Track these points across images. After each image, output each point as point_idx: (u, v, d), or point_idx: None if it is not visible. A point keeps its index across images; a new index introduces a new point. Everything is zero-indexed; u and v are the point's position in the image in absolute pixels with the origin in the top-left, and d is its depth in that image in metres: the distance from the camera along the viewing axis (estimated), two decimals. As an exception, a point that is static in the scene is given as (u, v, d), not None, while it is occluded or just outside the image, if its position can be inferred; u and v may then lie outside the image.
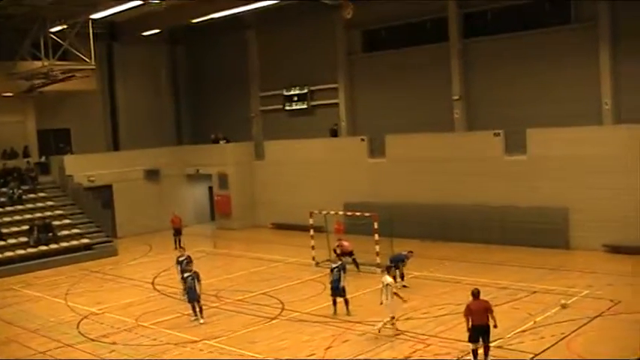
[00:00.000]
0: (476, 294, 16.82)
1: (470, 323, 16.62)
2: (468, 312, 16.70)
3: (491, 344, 16.82)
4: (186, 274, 22.74)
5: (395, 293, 19.61)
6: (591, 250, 28.47)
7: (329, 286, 22.47)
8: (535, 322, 19.75)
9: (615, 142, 28.72)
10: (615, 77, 30.26)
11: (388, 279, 19.88)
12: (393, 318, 19.69)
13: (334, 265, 22.37)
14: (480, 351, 16.69)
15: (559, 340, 18.28)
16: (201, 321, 22.17)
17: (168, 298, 25.87)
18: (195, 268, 23.52)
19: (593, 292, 22.57)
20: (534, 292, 23.07)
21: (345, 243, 27.58)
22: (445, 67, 35.32)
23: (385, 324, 19.69)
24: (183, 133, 49.44)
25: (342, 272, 22.04)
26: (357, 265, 27.50)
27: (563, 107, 31.37)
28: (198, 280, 22.45)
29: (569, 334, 18.69)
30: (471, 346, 16.66)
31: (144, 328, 22.07)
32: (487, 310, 16.52)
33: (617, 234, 28.11)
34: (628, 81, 30.00)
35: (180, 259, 25.49)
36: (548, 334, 18.62)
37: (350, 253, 27.30)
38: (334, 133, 39.27)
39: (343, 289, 22.02)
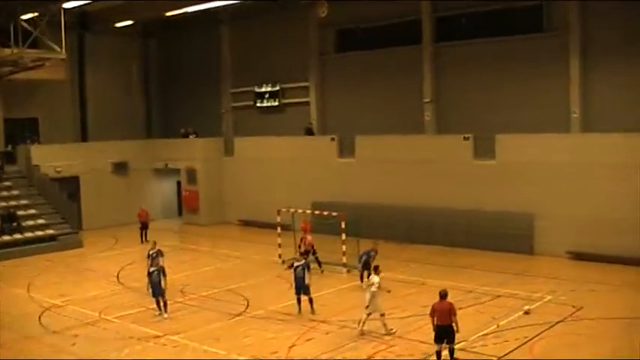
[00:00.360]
0: (442, 295, 17.00)
1: (434, 323, 16.85)
2: (433, 312, 16.96)
3: (455, 346, 16.91)
4: (151, 269, 22.60)
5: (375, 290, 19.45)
6: (555, 256, 28.77)
7: (293, 284, 22.43)
8: (498, 326, 19.94)
9: (582, 150, 29.04)
10: (584, 86, 30.61)
11: (376, 279, 19.76)
12: (382, 315, 19.65)
13: (297, 264, 22.27)
14: (445, 352, 16.79)
15: (522, 344, 18.46)
16: (165, 316, 22.07)
17: (133, 292, 25.70)
18: (163, 262, 23.49)
19: (556, 297, 22.82)
20: (498, 296, 23.27)
21: (309, 237, 27.65)
22: (417, 70, 35.47)
23: (364, 321, 19.65)
24: (153, 126, 49.12)
25: (305, 270, 22.00)
26: (319, 263, 27.54)
27: (532, 114, 31.65)
28: (164, 275, 22.35)
29: (532, 338, 18.89)
30: (435, 347, 16.83)
31: (107, 321, 21.92)
32: (450, 311, 16.67)
33: (580, 241, 28.42)
34: (596, 91, 30.38)
35: (151, 252, 25.36)
36: (511, 338, 18.79)
37: (313, 252, 27.43)
38: (309, 132, 39.14)
39: (307, 288, 22.01)
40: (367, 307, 19.62)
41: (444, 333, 16.66)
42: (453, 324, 16.67)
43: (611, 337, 19.11)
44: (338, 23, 38.74)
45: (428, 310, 21.61)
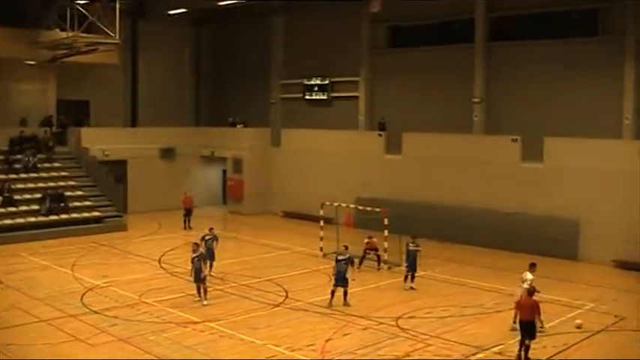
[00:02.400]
0: (530, 292, 17.59)
1: (517, 317, 17.61)
2: (517, 305, 17.74)
3: (495, 349, 16.84)
4: (193, 255, 22.80)
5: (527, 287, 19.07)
6: (600, 263, 28.31)
7: (333, 276, 22.49)
8: (542, 325, 19.59)
9: (633, 157, 28.50)
10: (638, 92, 30.02)
11: (529, 276, 20.01)
12: None
13: (342, 257, 22.38)
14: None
15: (560, 351, 18.20)
16: (205, 302, 22.24)
17: (173, 277, 25.95)
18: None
19: (598, 306, 22.46)
20: (540, 301, 22.85)
21: (375, 240, 27.65)
22: (468, 69, 35.16)
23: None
24: (201, 114, 49.52)
25: (349, 265, 22.21)
26: (379, 261, 27.52)
27: (583, 118, 31.17)
28: (205, 263, 22.50)
29: (571, 346, 18.62)
30: (519, 340, 17.29)
31: (147, 304, 22.15)
32: (533, 308, 17.13)
33: (626, 249, 27.89)
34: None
35: (207, 237, 25.71)
36: (550, 344, 18.54)
37: (376, 249, 27.50)
38: (382, 127, 38.14)
39: (347, 281, 22.15)
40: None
41: (527, 328, 17.12)
42: (536, 321, 17.21)
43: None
44: (391, 19, 38.56)
45: (468, 311, 21.75)
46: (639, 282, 25.84)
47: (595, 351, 18.50)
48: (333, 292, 22.16)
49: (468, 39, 35.29)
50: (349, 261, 22.35)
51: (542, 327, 17.44)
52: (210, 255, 25.20)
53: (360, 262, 27.38)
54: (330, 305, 21.93)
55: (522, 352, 17.07)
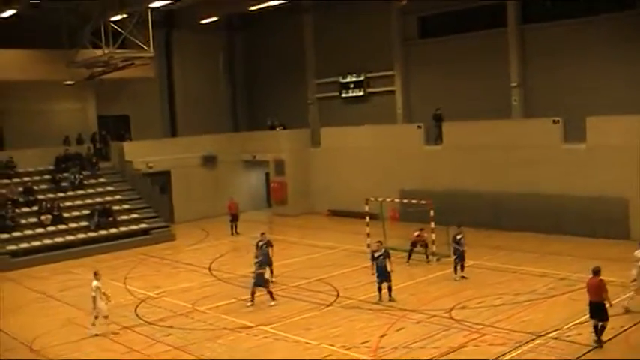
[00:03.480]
0: (595, 271, 17.27)
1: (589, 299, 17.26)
2: (587, 287, 17.50)
3: (551, 334, 16.69)
4: (255, 260, 23.23)
5: None
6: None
7: (373, 274, 22.55)
8: (610, 303, 19.28)
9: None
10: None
11: None
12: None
13: (378, 253, 22.41)
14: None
15: (618, 334, 17.95)
16: (272, 303, 22.54)
17: (224, 284, 26.18)
18: (251, 254, 24.73)
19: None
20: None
21: (426, 235, 27.56)
22: (503, 54, 34.92)
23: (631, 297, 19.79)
24: (239, 119, 49.84)
25: (387, 259, 22.22)
26: (427, 255, 27.47)
27: (624, 95, 30.76)
28: (268, 265, 23.03)
29: (629, 328, 18.38)
30: (591, 322, 17.12)
31: (200, 312, 22.38)
32: (599, 287, 16.95)
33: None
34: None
35: (260, 242, 25.89)
36: (608, 327, 18.30)
37: (425, 245, 27.44)
38: (439, 118, 37.35)
39: (389, 275, 22.20)
40: (633, 281, 19.81)
41: (595, 309, 16.96)
42: (605, 301, 16.89)
43: None
44: (420, 9, 38.43)
45: (520, 298, 21.59)
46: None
47: (653, 331, 18.27)
48: (380, 288, 22.27)
49: (500, 23, 35.04)
50: (386, 255, 22.34)
51: (610, 305, 17.07)
52: (266, 260, 25.31)
53: (409, 257, 27.37)
54: (379, 301, 22.01)
55: (597, 335, 16.90)
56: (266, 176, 45.37)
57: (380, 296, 22.19)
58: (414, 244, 27.41)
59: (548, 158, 31.67)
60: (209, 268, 29.00)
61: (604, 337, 17.01)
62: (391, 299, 22.09)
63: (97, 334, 20.44)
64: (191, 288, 25.71)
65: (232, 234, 36.54)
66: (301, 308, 22.19)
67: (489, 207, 33.00)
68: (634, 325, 18.62)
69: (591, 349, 16.82)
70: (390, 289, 22.21)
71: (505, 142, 33.24)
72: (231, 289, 25.09)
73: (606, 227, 29.38)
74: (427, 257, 27.36)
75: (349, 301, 22.57)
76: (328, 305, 22.39)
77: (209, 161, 43.41)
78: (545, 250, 28.23)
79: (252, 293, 22.81)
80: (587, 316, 17.37)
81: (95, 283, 20.71)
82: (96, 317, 20.68)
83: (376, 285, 22.30)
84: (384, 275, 22.15)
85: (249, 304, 22.73)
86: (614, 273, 23.61)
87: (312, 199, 42.83)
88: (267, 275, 23.07)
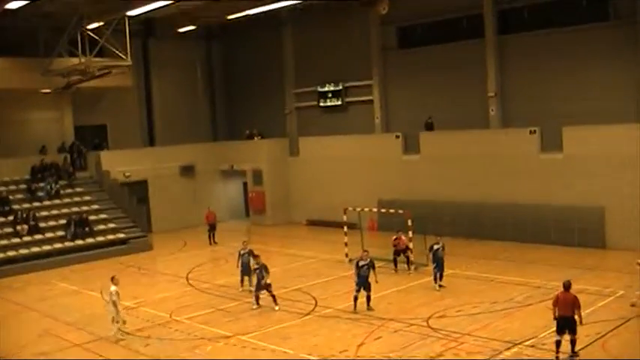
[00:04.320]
0: (567, 286, 16.93)
1: (556, 314, 16.78)
2: (556, 302, 16.91)
3: (528, 342, 16.74)
4: (255, 267, 23.42)
5: None
6: (629, 250, 28.02)
7: (355, 282, 22.41)
8: (581, 320, 19.45)
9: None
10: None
11: None
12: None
13: (363, 262, 22.25)
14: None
15: (594, 341, 18.10)
16: (276, 308, 22.76)
17: (203, 294, 26.06)
18: (230, 262, 24.09)
19: (631, 292, 22.24)
20: (570, 291, 22.83)
21: (404, 238, 27.58)
22: (481, 64, 35.10)
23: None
24: (218, 128, 49.68)
25: (371, 269, 22.19)
26: (408, 263, 27.47)
27: (599, 105, 30.98)
28: (267, 272, 23.11)
29: (605, 335, 18.52)
30: (555, 336, 16.76)
31: (178, 322, 22.27)
32: (574, 304, 16.61)
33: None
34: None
35: (242, 251, 25.98)
36: (582, 334, 18.34)
37: (404, 250, 27.43)
38: (430, 127, 37.25)
39: (369, 285, 22.13)
40: None
41: (566, 324, 16.60)
42: (576, 316, 16.59)
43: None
44: (399, 20, 38.54)
45: (497, 307, 21.68)
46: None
47: (628, 339, 18.42)
48: (356, 298, 22.14)
49: (478, 34, 35.22)
50: (371, 265, 22.30)
51: (581, 323, 16.78)
52: (246, 270, 25.41)
53: (395, 266, 27.46)
54: (355, 311, 21.95)
55: (570, 349, 16.67)
56: (244, 186, 45.28)
57: (355, 306, 22.07)
58: (397, 253, 27.41)
59: (526, 168, 31.88)
60: (187, 278, 28.86)
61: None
62: (369, 309, 22.05)
63: (120, 339, 20.55)
64: (169, 298, 25.58)
65: (210, 244, 36.44)
66: (279, 318, 22.14)
67: (468, 216, 33.17)
68: (610, 331, 18.76)
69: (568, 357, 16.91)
70: (369, 298, 22.15)
71: (483, 152, 33.45)
72: (210, 299, 25.00)
73: (583, 236, 29.64)
74: (408, 267, 27.36)
75: (327, 311, 22.56)
76: (306, 315, 22.36)
77: (187, 171, 43.30)
78: (522, 258, 28.39)
79: (257, 297, 23.20)
80: (555, 330, 16.98)
81: (113, 288, 20.77)
82: (117, 322, 20.72)
83: (353, 294, 22.21)
84: (364, 285, 22.04)
85: (254, 307, 23.12)
86: (589, 281, 24.02)
87: (291, 209, 42.80)
88: (268, 280, 23.13)
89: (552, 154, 31.24)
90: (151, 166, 41.66)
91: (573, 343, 16.66)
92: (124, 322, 20.89)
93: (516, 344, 18.07)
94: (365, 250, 23.39)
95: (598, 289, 23.10)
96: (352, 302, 22.27)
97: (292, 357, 18.39)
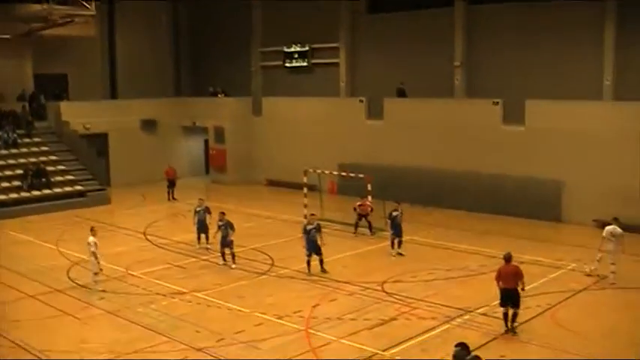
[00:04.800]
0: (507, 258, 17.00)
1: (500, 286, 16.90)
2: (498, 276, 16.99)
3: (480, 310, 16.96)
4: (220, 224, 23.43)
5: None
6: (582, 224, 28.51)
7: (304, 246, 22.50)
8: (524, 288, 19.82)
9: (613, 118, 28.71)
10: (618, 54, 30.13)
11: (618, 230, 21.06)
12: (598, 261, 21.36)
13: (311, 226, 22.34)
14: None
15: (544, 311, 18.50)
16: (233, 266, 22.90)
17: (159, 249, 25.99)
18: (189, 219, 24.76)
19: (581, 266, 22.68)
20: (522, 262, 23.06)
21: (368, 203, 27.69)
22: (449, 33, 35.10)
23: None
24: (181, 84, 49.14)
25: (318, 233, 22.26)
26: (370, 228, 27.62)
27: (564, 80, 31.24)
28: (232, 229, 23.26)
29: (555, 306, 18.91)
30: (501, 309, 16.92)
31: (134, 277, 22.23)
32: (516, 274, 16.74)
33: (608, 210, 27.84)
34: (631, 58, 29.91)
35: (198, 208, 25.89)
36: (533, 304, 18.78)
37: (366, 215, 27.57)
38: (401, 93, 36.84)
39: (319, 249, 22.24)
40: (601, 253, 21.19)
41: (509, 296, 16.72)
42: (519, 288, 16.74)
43: (633, 306, 19.10)
44: (370, -16, 38.36)
45: (452, 274, 21.95)
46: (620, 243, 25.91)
47: (576, 310, 18.83)
48: (308, 262, 22.26)
49: (447, 2, 35.14)
50: (318, 229, 22.36)
51: (523, 290, 16.92)
52: (202, 227, 25.47)
53: (355, 229, 27.64)
54: (309, 274, 22.02)
55: (509, 322, 16.86)
56: (205, 143, 45.00)
57: (309, 269, 22.18)
58: (359, 217, 27.56)
59: (488, 139, 32.08)
60: (144, 233, 28.74)
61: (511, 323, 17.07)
62: (323, 271, 22.17)
63: (103, 290, 20.64)
64: (125, 252, 25.45)
65: (169, 200, 36.27)
66: (235, 276, 22.20)
67: (428, 184, 33.31)
68: (559, 303, 19.14)
69: (518, 326, 17.21)
70: (321, 262, 22.29)
71: (446, 121, 33.57)
72: (166, 255, 24.98)
73: (540, 209, 29.98)
74: (370, 231, 27.53)
75: (284, 271, 22.65)
76: (262, 274, 22.45)
77: (148, 125, 42.84)
78: (479, 228, 28.71)
79: (222, 254, 23.39)
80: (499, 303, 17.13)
81: (92, 239, 20.82)
82: (96, 274, 20.84)
83: (305, 258, 22.29)
84: (314, 248, 22.13)
85: (221, 263, 23.31)
86: (543, 254, 24.45)
87: (251, 168, 42.61)
88: (232, 237, 23.28)
89: (514, 126, 31.47)
90: (112, 119, 41.06)
91: (514, 316, 16.83)
92: (101, 270, 21.03)
93: (469, 312, 18.36)
94: (312, 214, 23.49)
95: (551, 261, 23.49)
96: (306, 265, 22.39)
97: (247, 315, 18.45)
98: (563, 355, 15.63)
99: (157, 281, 21.64)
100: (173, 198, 36.32)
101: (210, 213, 25.63)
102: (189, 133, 44.82)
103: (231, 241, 23.33)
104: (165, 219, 32.10)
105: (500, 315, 16.99)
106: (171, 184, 36.61)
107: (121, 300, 19.88)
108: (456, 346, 11.05)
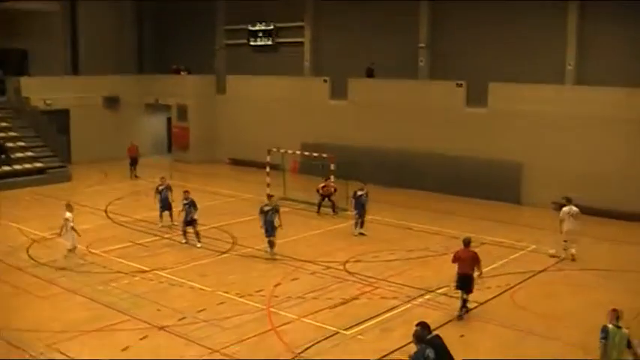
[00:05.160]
0: (466, 243, 16.99)
1: (457, 271, 16.90)
2: (455, 259, 16.98)
3: (440, 291, 17.15)
4: (184, 202, 23.39)
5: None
6: (541, 206, 28.89)
7: (262, 227, 22.09)
8: (481, 273, 20.11)
9: (574, 102, 29.08)
10: (581, 38, 30.46)
11: (574, 209, 21.66)
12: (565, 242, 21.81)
13: (267, 208, 21.97)
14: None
15: (504, 291, 18.78)
16: (199, 245, 22.80)
17: (121, 227, 25.82)
18: (151, 197, 25.16)
19: (540, 247, 23.03)
20: (483, 243, 23.43)
21: (332, 184, 27.75)
22: (414, 14, 35.15)
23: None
24: (145, 61, 48.61)
25: (276, 214, 21.91)
26: (334, 208, 27.68)
27: (527, 64, 31.53)
28: (195, 208, 23.27)
29: (514, 287, 19.19)
30: (460, 293, 16.96)
31: (95, 255, 22.05)
32: (473, 259, 16.74)
33: (566, 192, 28.17)
34: (593, 44, 30.27)
35: (160, 187, 25.86)
36: (493, 285, 19.07)
37: (329, 195, 27.64)
38: (370, 73, 36.82)
39: (274, 230, 21.83)
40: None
41: (465, 282, 16.74)
42: (475, 272, 16.75)
43: (588, 288, 19.43)
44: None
45: (413, 255, 22.14)
46: (578, 224, 26.24)
47: (534, 290, 19.14)
48: (270, 242, 21.93)
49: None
50: (275, 210, 21.96)
51: (480, 275, 17.00)
52: (166, 205, 25.48)
53: (318, 209, 27.73)
54: (272, 254, 21.75)
55: (460, 307, 16.95)
56: (168, 121, 44.66)
57: (272, 250, 21.89)
58: (323, 197, 27.64)
59: (451, 120, 32.31)
60: (106, 211, 28.52)
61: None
62: (273, 253, 21.76)
63: (63, 269, 20.55)
64: (86, 230, 24.98)
65: (131, 177, 36.00)
66: (197, 255, 22.16)
67: (391, 165, 33.49)
68: (519, 283, 19.43)
69: (477, 306, 17.46)
70: (272, 244, 21.80)
71: (410, 102, 33.72)
72: (128, 233, 24.82)
73: (500, 191, 30.32)
74: (333, 211, 27.60)
75: (246, 250, 22.66)
76: (224, 253, 22.44)
77: (111, 102, 42.37)
78: (441, 209, 28.94)
79: (184, 232, 23.37)
80: (455, 286, 17.17)
81: (68, 214, 20.84)
82: (70, 250, 20.85)
83: (266, 239, 21.98)
84: (270, 230, 21.77)
85: (183, 241, 23.30)
86: (503, 235, 24.81)
87: (215, 147, 42.44)
88: (195, 216, 23.26)
89: (477, 108, 31.72)
90: (73, 95, 40.50)
91: (465, 302, 16.89)
92: (75, 248, 21.01)
93: (430, 292, 18.57)
94: (270, 195, 23.21)
95: (511, 242, 23.82)
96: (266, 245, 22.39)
97: (209, 294, 18.46)
98: (521, 334, 15.90)
99: (119, 259, 21.52)
100: (135, 176, 36.06)
101: (171, 191, 25.57)
102: (152, 110, 44.42)
103: (195, 220, 23.28)
104: (127, 197, 31.84)
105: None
106: (134, 162, 36.34)
107: (81, 278, 19.73)
108: (417, 325, 11.17)
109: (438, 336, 11.18)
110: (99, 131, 41.10)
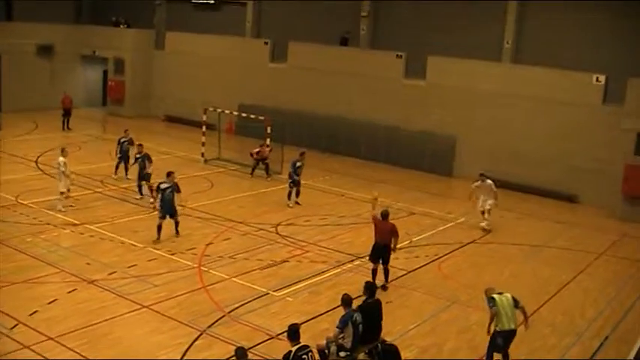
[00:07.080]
0: (384, 215, 16.88)
1: (375, 239, 16.87)
2: (376, 230, 16.91)
3: (367, 258, 17.40)
4: (137, 156, 23.59)
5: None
6: (472, 180, 29.28)
7: (156, 208, 20.71)
8: (411, 242, 20.61)
9: (509, 80, 29.63)
10: (520, 17, 30.90)
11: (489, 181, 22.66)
12: (483, 213, 22.58)
13: (166, 185, 19.60)
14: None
15: (431, 261, 19.24)
16: (151, 200, 22.47)
17: (52, 179, 25.36)
18: (83, 150, 23.82)
19: (469, 220, 23.57)
20: (413, 213, 23.92)
21: (266, 148, 27.70)
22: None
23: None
24: (82, 11, 47.35)
25: (175, 193, 19.78)
26: (267, 171, 27.68)
27: (467, 39, 31.79)
28: (149, 161, 23.46)
29: (442, 257, 19.68)
30: (371, 265, 16.93)
31: (24, 206, 21.72)
32: (392, 232, 16.72)
33: (495, 168, 28.57)
34: (531, 23, 30.72)
35: (122, 140, 25.86)
36: (422, 254, 19.53)
37: (264, 159, 27.58)
38: (344, 42, 36.06)
39: (175, 210, 19.91)
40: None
41: (381, 252, 16.74)
42: (392, 245, 16.77)
43: (512, 261, 20.07)
44: None
45: (344, 220, 22.43)
46: (506, 200, 26.47)
47: (461, 261, 19.67)
48: (160, 227, 19.40)
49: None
50: (175, 189, 19.79)
51: (394, 251, 16.97)
52: (125, 157, 25.65)
53: (252, 172, 27.67)
54: (157, 242, 19.18)
55: (384, 278, 16.92)
56: (104, 74, 43.84)
57: (159, 236, 19.30)
58: (257, 161, 27.63)
59: (389, 91, 32.56)
60: (36, 162, 28.01)
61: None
62: (177, 236, 19.79)
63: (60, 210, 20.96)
64: (16, 180, 24.74)
65: (64, 129, 35.34)
66: (129, 210, 22.06)
67: (327, 130, 33.63)
68: (447, 254, 19.92)
69: (406, 274, 17.86)
70: (177, 224, 19.89)
71: (349, 70, 33.80)
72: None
73: (433, 162, 30.83)
74: (267, 174, 27.62)
75: (178, 208, 22.54)
76: (156, 209, 22.26)
77: (45, 51, 41.30)
78: (375, 177, 29.23)
79: (139, 187, 23.58)
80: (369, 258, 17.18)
81: (61, 159, 21.12)
82: (62, 193, 21.16)
83: (157, 221, 19.48)
84: (169, 210, 19.62)
85: (138, 197, 23.39)
86: (434, 206, 25.29)
87: (150, 103, 41.92)
88: (150, 170, 23.33)
89: (415, 80, 32.05)
90: (5, 40, 39.27)
91: (387, 272, 17.00)
92: (68, 191, 21.43)
93: (359, 258, 18.86)
94: (170, 172, 20.18)
95: (441, 214, 24.32)
96: (205, 202, 22.35)
97: (140, 250, 18.43)
98: (445, 303, 16.37)
99: (48, 211, 21.25)
100: (68, 127, 35.42)
101: (133, 144, 25.44)
102: (88, 62, 43.49)
103: (149, 175, 23.26)
104: (59, 148, 31.27)
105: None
106: (67, 114, 35.65)
107: (9, 229, 19.43)
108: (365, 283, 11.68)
109: (377, 300, 11.43)
110: (31, 80, 40.10)
